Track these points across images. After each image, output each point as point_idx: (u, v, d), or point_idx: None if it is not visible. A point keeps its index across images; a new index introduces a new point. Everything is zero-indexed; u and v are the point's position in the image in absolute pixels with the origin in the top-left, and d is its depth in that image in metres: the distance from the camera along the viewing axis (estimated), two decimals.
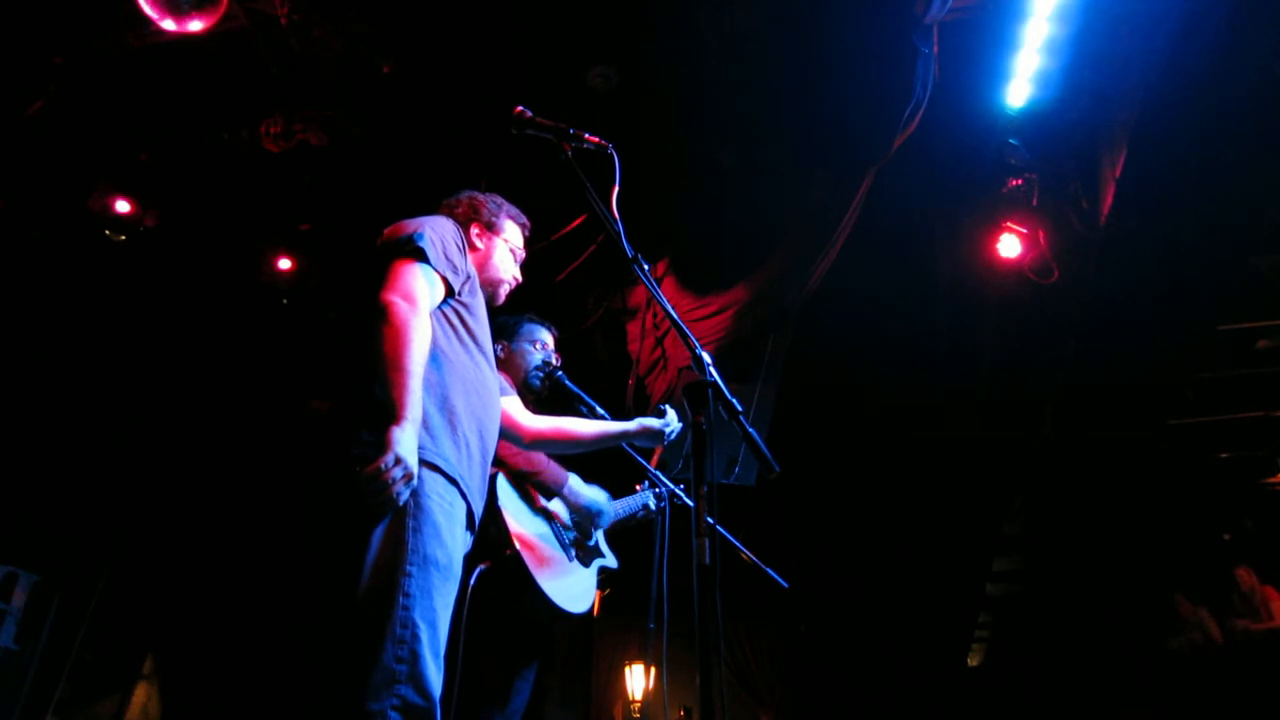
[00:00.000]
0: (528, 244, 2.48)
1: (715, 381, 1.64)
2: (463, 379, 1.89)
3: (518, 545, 2.62)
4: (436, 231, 1.99)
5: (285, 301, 5.23)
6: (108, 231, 4.66)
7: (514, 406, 2.51)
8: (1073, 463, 6.58)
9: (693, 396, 1.62)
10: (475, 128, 4.27)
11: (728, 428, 1.67)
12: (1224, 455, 6.67)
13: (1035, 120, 4.45)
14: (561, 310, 4.96)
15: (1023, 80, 4.24)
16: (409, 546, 1.60)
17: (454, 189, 2.41)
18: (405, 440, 1.58)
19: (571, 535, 2.94)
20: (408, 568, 1.58)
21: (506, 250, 2.36)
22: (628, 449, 3.00)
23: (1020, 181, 4.70)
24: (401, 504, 1.59)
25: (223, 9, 3.55)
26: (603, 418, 2.99)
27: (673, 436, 2.59)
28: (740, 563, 2.93)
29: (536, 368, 3.06)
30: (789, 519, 6.52)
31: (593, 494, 2.98)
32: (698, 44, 4.11)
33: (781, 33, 4.05)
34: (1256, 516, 7.03)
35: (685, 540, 1.53)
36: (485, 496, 1.97)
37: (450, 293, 1.97)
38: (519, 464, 2.78)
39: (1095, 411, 6.07)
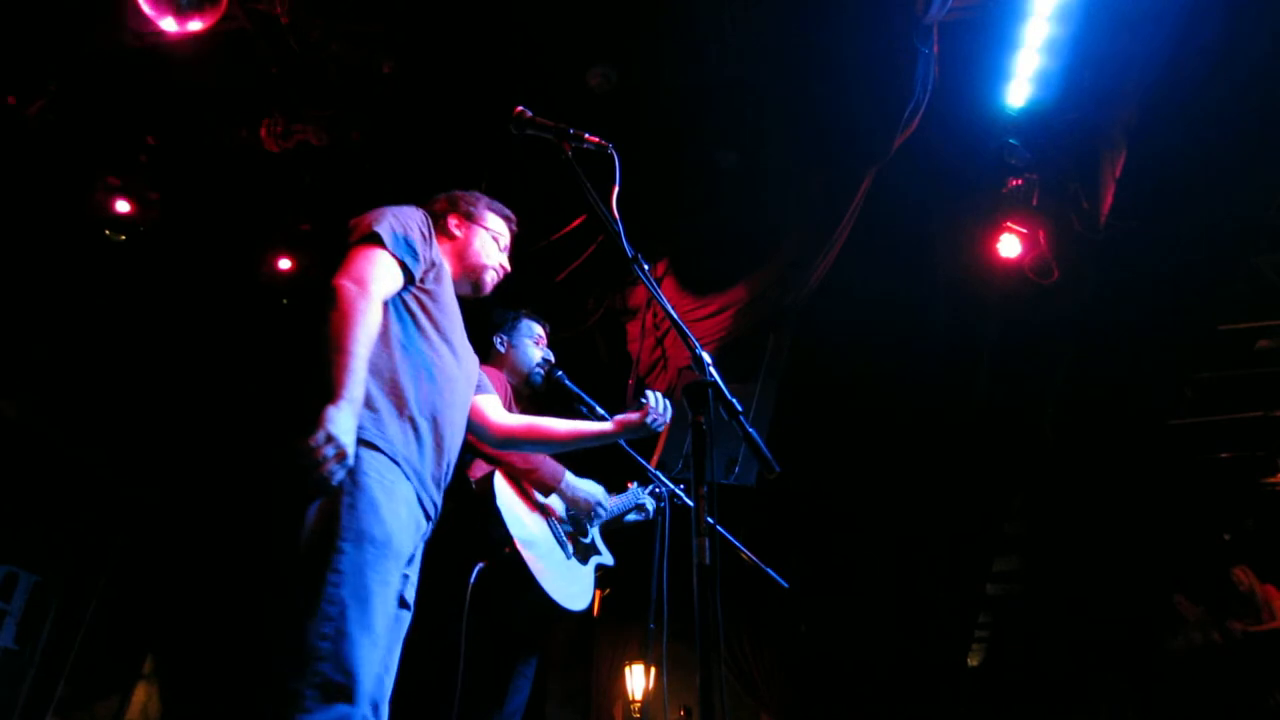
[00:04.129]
0: (516, 238, 2.46)
1: (715, 381, 1.64)
2: (416, 366, 1.87)
3: (517, 543, 2.63)
4: (399, 219, 1.98)
5: (285, 301, 5.23)
6: (108, 231, 4.66)
7: (488, 404, 2.45)
8: (1073, 463, 6.58)
9: (693, 396, 1.62)
10: (475, 128, 4.27)
11: (728, 428, 1.67)
12: (1224, 455, 6.67)
13: (1035, 120, 4.45)
14: (561, 310, 4.96)
15: (1023, 80, 4.24)
16: (343, 523, 1.59)
17: (454, 189, 2.40)
18: (340, 419, 1.56)
19: (568, 530, 2.95)
20: (340, 544, 1.57)
21: (488, 237, 2.32)
22: (627, 448, 3.00)
23: (1020, 181, 4.70)
24: (335, 483, 1.58)
25: (223, 9, 3.55)
26: (603, 418, 3.00)
27: (659, 426, 2.44)
28: (740, 563, 2.93)
29: (538, 364, 3.16)
30: (789, 519, 6.52)
31: (590, 487, 2.99)
32: (698, 44, 4.11)
33: (781, 33, 4.05)
34: (1256, 516, 7.04)
35: (685, 540, 1.53)
36: (443, 486, 1.94)
37: (410, 279, 1.95)
38: (515, 461, 2.78)
39: (1095, 411, 6.07)
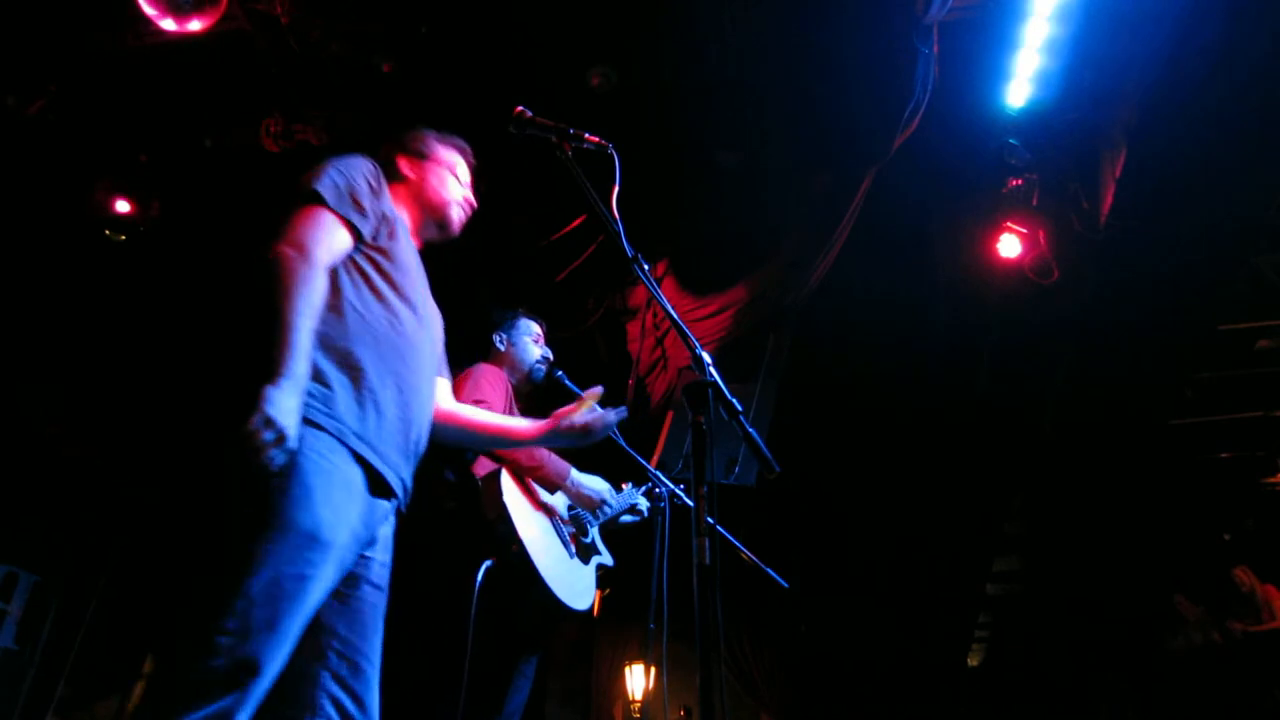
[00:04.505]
0: (515, 236, 2.39)
1: (715, 381, 1.64)
2: (374, 333, 1.75)
3: (524, 542, 2.63)
4: (344, 173, 1.83)
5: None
6: (108, 231, 4.66)
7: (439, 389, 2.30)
8: (1073, 462, 6.58)
9: (693, 396, 1.62)
10: (475, 128, 4.26)
11: (728, 428, 1.67)
12: (1224, 455, 6.67)
13: (1035, 120, 4.45)
14: (561, 310, 4.96)
15: (1023, 80, 4.24)
16: (270, 511, 1.49)
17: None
18: (279, 399, 1.46)
19: (570, 530, 2.95)
20: (263, 535, 1.47)
21: (444, 172, 2.15)
22: (627, 448, 3.01)
23: (1020, 181, 4.70)
24: (276, 468, 1.47)
25: (222, 9, 3.55)
26: None
27: (588, 438, 2.13)
28: (740, 563, 2.93)
29: (538, 362, 3.20)
30: (789, 519, 6.52)
31: (596, 483, 3.01)
32: (698, 44, 4.11)
33: (781, 33, 4.05)
34: (1256, 516, 7.04)
35: (685, 540, 1.53)
36: (414, 457, 1.83)
37: (359, 238, 1.80)
38: (520, 459, 2.79)
39: (1095, 411, 6.07)
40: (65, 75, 3.98)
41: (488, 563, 2.57)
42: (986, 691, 8.59)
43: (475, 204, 2.21)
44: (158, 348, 5.26)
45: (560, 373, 3.13)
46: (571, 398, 3.01)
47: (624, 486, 3.24)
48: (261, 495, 1.50)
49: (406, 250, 1.94)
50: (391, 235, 1.88)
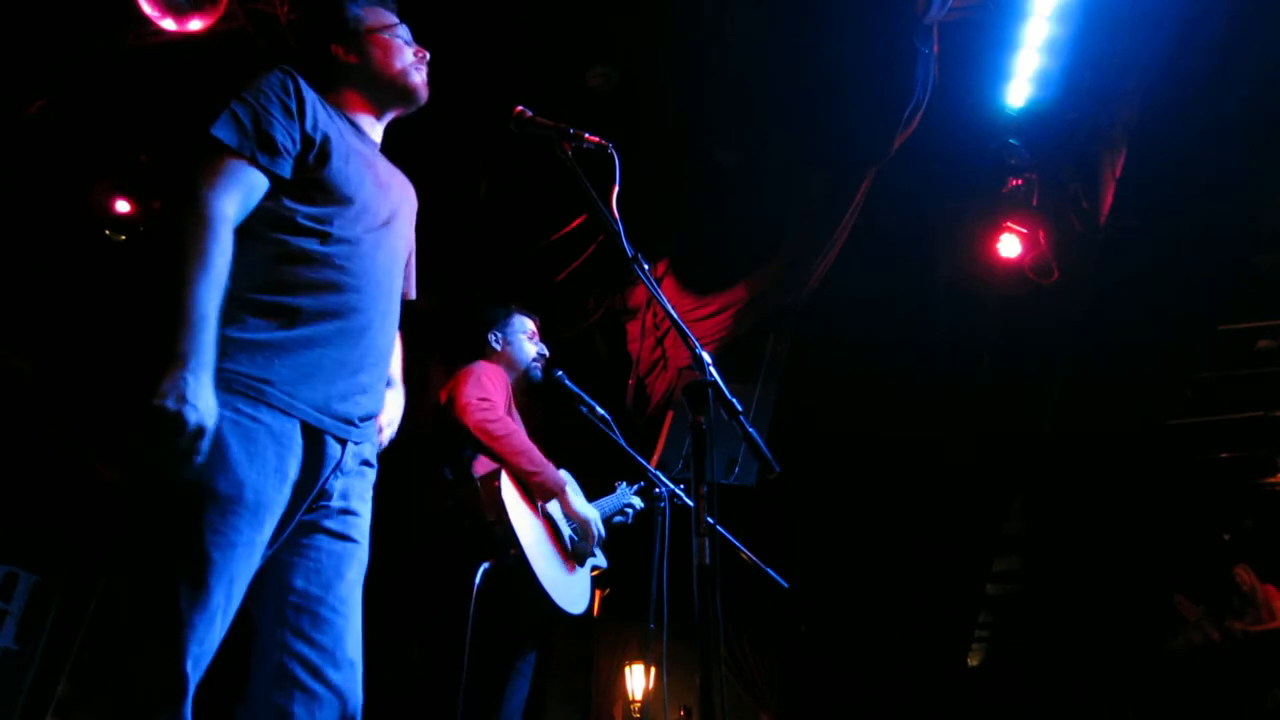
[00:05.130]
0: (516, 234, 2.28)
1: (715, 381, 1.64)
2: (310, 270, 1.60)
3: (522, 546, 2.62)
4: (246, 104, 1.61)
5: None
6: (108, 231, 4.66)
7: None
8: (1073, 463, 6.58)
9: (693, 396, 1.62)
10: (475, 128, 4.27)
11: (728, 428, 1.67)
12: (1224, 455, 6.67)
13: (1035, 120, 4.46)
14: (561, 310, 4.97)
15: (1023, 80, 4.25)
16: (179, 480, 1.40)
17: (454, 189, 2.33)
18: (188, 387, 1.36)
19: (566, 535, 2.95)
20: (176, 506, 1.41)
21: (383, 39, 1.92)
22: (627, 448, 3.01)
23: (1020, 181, 4.71)
24: (202, 460, 1.37)
25: (222, 9, 3.55)
26: (603, 418, 3.00)
27: None
28: (740, 563, 2.93)
29: (535, 360, 3.19)
30: (789, 519, 6.52)
31: (589, 510, 2.97)
32: (698, 44, 4.11)
33: (781, 32, 4.05)
34: (1256, 516, 7.04)
35: (685, 540, 1.53)
36: (375, 388, 1.71)
37: (277, 176, 1.60)
38: (520, 464, 2.78)
39: (1095, 411, 6.08)
40: (65, 75, 3.98)
41: (485, 564, 2.56)
42: (986, 691, 8.59)
43: (427, 54, 2.00)
44: (159, 348, 5.25)
45: (560, 372, 3.12)
46: (571, 397, 3.02)
47: (617, 485, 3.23)
48: (196, 468, 1.41)
49: (350, 169, 1.72)
50: (323, 160, 1.67)
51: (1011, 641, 8.97)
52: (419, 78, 1.95)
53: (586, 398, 3.01)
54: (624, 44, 4.12)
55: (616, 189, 1.85)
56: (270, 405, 1.50)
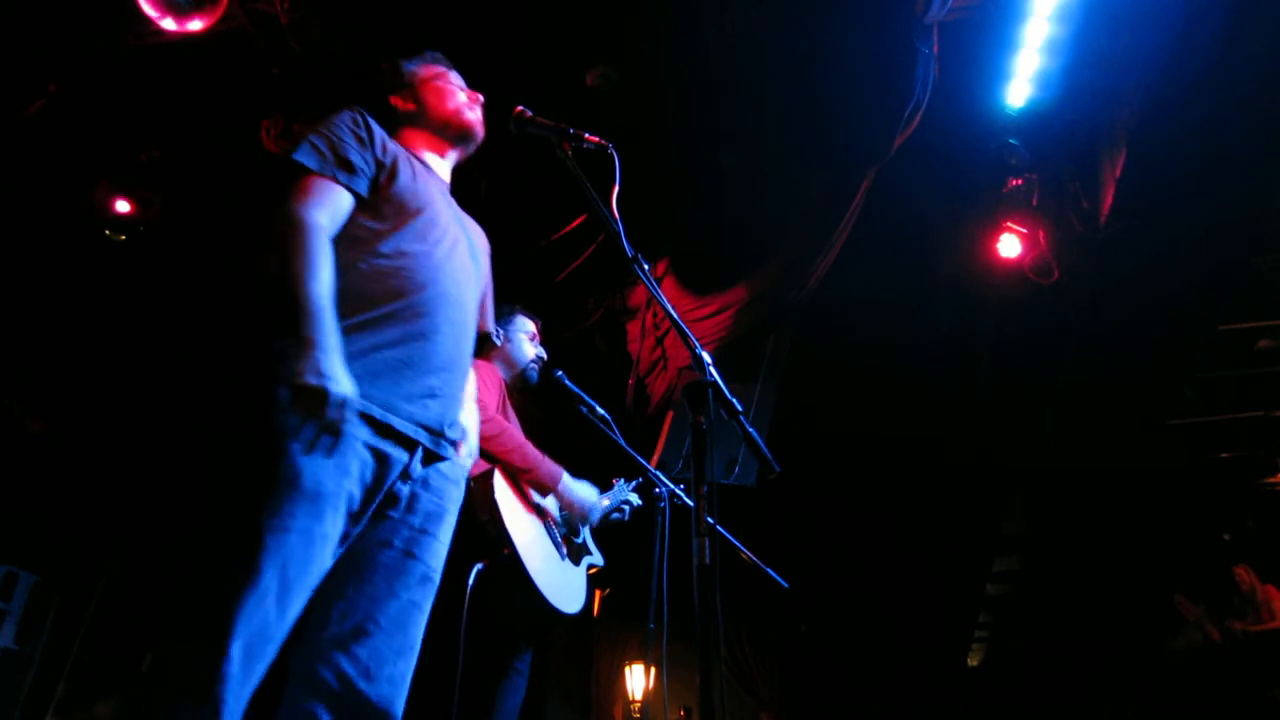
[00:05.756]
0: (515, 234, 2.35)
1: (715, 381, 1.64)
2: (382, 284, 1.71)
3: (516, 546, 2.62)
4: (322, 134, 1.77)
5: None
6: (108, 231, 4.66)
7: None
8: (1073, 462, 6.58)
9: (693, 396, 1.62)
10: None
11: (728, 428, 1.67)
12: (1224, 455, 6.67)
13: (1035, 120, 4.45)
14: (561, 310, 4.96)
15: (1023, 80, 4.25)
16: (266, 470, 1.47)
17: (453, 188, 2.34)
18: (325, 366, 1.46)
19: (563, 532, 2.94)
20: (259, 497, 1.45)
21: (436, 86, 2.09)
22: (627, 448, 3.00)
23: (1020, 181, 4.70)
24: (343, 429, 1.48)
25: (223, 9, 3.55)
26: (603, 418, 3.00)
27: None
28: (740, 563, 2.93)
29: (533, 362, 3.17)
30: (789, 519, 6.52)
31: (585, 491, 2.98)
32: (697, 44, 4.11)
33: (781, 32, 4.05)
34: (1256, 516, 7.04)
35: (685, 540, 1.53)
36: (447, 393, 1.76)
37: (356, 194, 1.76)
38: (514, 461, 2.77)
39: (1095, 411, 6.08)
40: (65, 75, 3.98)
41: (479, 565, 2.55)
42: (986, 691, 8.59)
43: (480, 96, 2.15)
44: (158, 347, 5.26)
45: (559, 372, 3.12)
46: (571, 397, 3.02)
47: (615, 482, 3.22)
48: (257, 455, 1.49)
49: (419, 185, 1.87)
50: (394, 177, 1.82)
51: (1011, 641, 8.97)
52: (473, 116, 2.11)
53: (586, 398, 3.00)
54: (624, 44, 4.12)
55: (616, 189, 1.85)
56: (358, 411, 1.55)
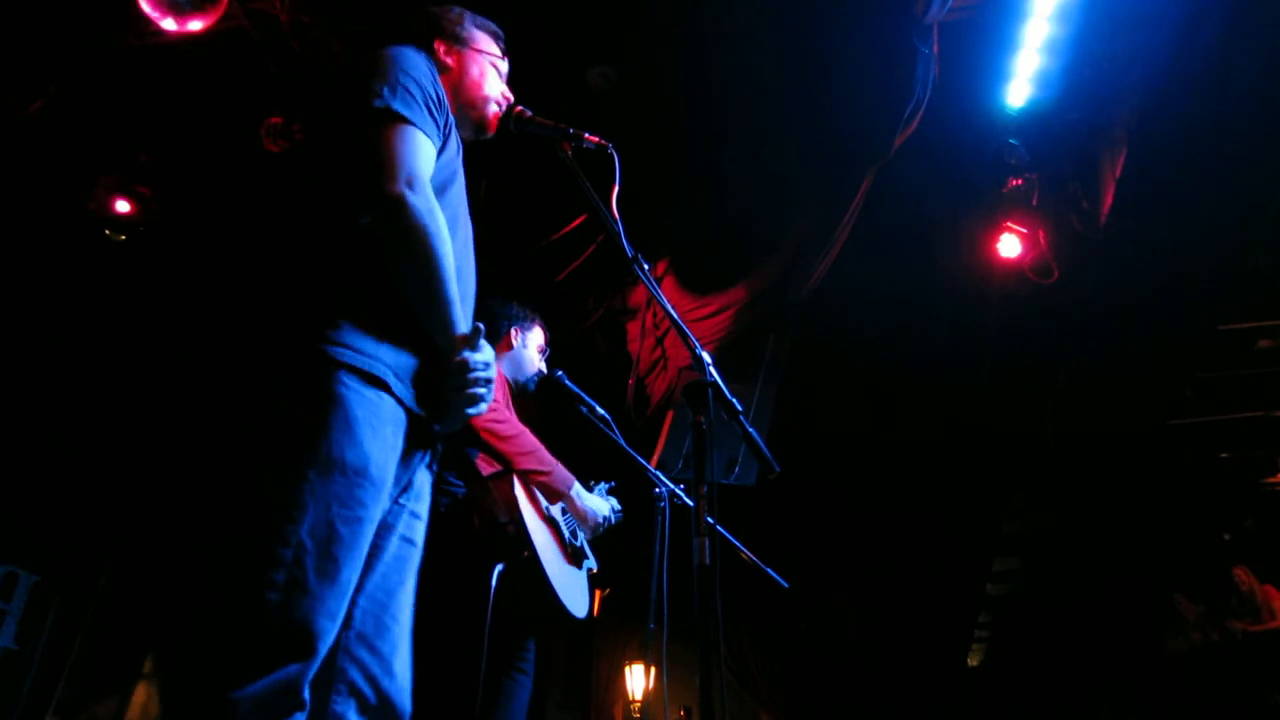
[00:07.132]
0: (516, 235, 2.29)
1: (715, 381, 1.63)
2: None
3: (536, 547, 2.61)
4: (411, 77, 1.59)
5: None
6: (108, 231, 4.66)
7: None
8: (1073, 462, 6.59)
9: (693, 396, 1.62)
10: None
11: (728, 428, 1.67)
12: (1224, 455, 6.67)
13: (1035, 120, 4.45)
14: (561, 310, 4.96)
15: (1023, 80, 4.25)
16: (309, 447, 1.34)
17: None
18: (479, 351, 1.53)
19: (568, 537, 2.94)
20: (305, 472, 1.32)
21: (486, 62, 1.92)
22: (626, 448, 3.00)
23: (1020, 181, 4.70)
24: (487, 403, 1.54)
25: (223, 9, 3.55)
26: (603, 418, 3.00)
27: None
28: (740, 563, 2.93)
29: (534, 374, 3.14)
30: (789, 519, 6.52)
31: (594, 500, 2.97)
32: (697, 44, 4.11)
33: (781, 33, 4.05)
34: (1256, 516, 7.05)
35: (685, 540, 1.53)
36: None
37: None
38: (528, 465, 2.76)
39: (1095, 411, 6.08)
40: (65, 75, 3.98)
41: (500, 566, 2.54)
42: (986, 691, 8.59)
43: (511, 98, 1.99)
44: (158, 347, 5.27)
45: (560, 372, 3.11)
46: (571, 397, 3.01)
47: (591, 486, 3.20)
48: (297, 431, 1.36)
49: (457, 161, 1.75)
50: (444, 147, 1.67)
51: (1011, 641, 8.97)
52: (494, 115, 1.95)
53: (586, 398, 3.00)
54: (624, 44, 4.12)
55: (616, 189, 1.85)
56: (382, 386, 1.46)
